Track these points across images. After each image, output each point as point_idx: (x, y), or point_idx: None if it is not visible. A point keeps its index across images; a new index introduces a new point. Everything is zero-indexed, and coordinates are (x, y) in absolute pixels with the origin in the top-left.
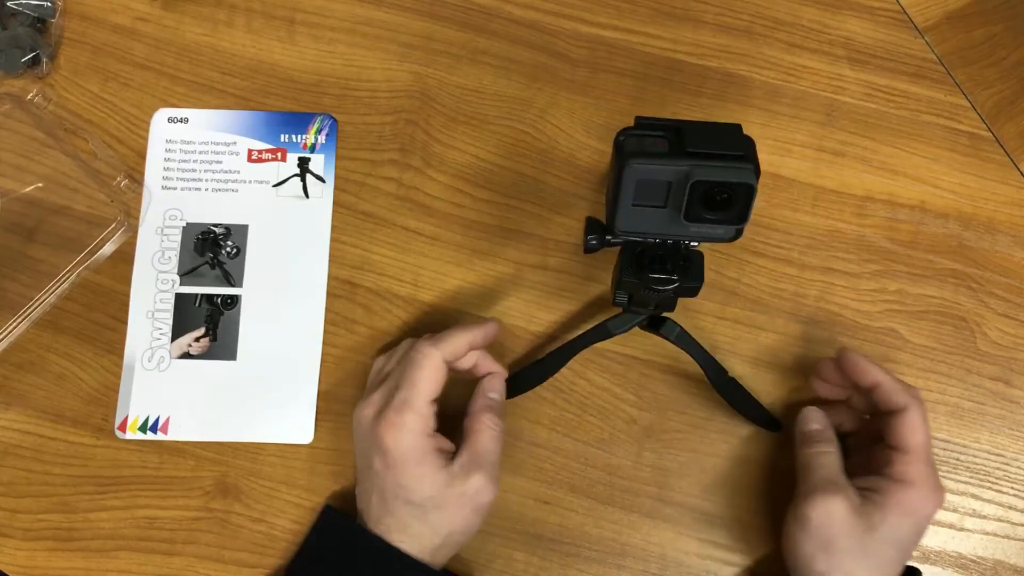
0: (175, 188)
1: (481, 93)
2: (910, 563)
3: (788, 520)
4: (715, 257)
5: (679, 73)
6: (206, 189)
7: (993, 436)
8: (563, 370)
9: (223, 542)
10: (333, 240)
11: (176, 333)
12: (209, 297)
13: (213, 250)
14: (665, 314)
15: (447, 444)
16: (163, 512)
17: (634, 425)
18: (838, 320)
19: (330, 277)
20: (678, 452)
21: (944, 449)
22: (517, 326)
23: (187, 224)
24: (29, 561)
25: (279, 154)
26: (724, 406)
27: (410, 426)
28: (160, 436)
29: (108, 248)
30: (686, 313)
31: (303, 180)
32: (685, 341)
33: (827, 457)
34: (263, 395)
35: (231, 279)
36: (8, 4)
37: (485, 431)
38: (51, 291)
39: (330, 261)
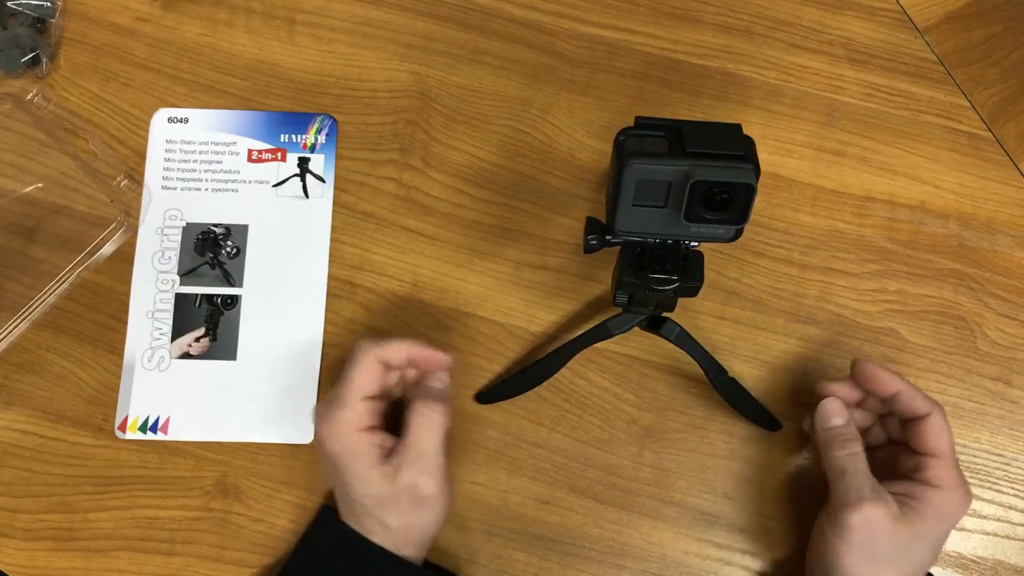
0: (175, 188)
1: (481, 93)
2: None
3: (824, 528)
4: (715, 257)
5: (679, 73)
6: (206, 189)
7: (993, 436)
8: (563, 370)
9: (223, 542)
10: (333, 240)
11: (176, 333)
12: (209, 297)
13: (213, 250)
14: (665, 314)
15: (389, 441)
16: (163, 512)
17: (634, 425)
18: (838, 320)
19: (330, 277)
20: (678, 452)
21: None
22: (517, 326)
23: (187, 224)
24: (29, 561)
25: (279, 154)
26: (724, 406)
27: (341, 421)
28: (160, 436)
29: (108, 248)
30: (686, 313)
31: (303, 180)
32: (685, 341)
33: (859, 459)
34: (263, 395)
35: (231, 279)
36: (8, 4)
37: (418, 420)
38: (51, 291)
39: (330, 261)
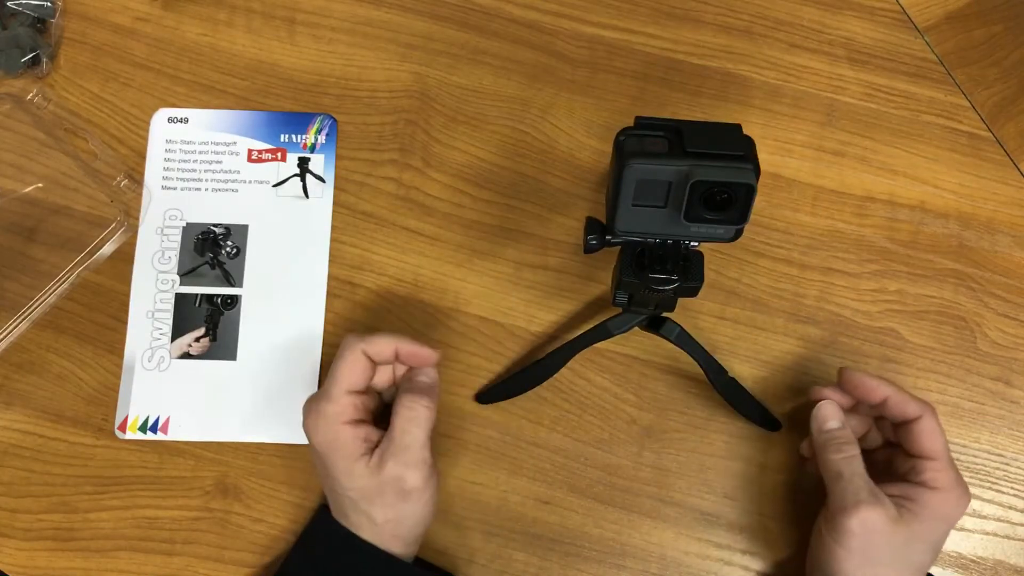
0: (175, 188)
1: (481, 93)
2: None
3: (821, 532)
4: (715, 257)
5: (679, 73)
6: (206, 189)
7: (993, 436)
8: (563, 370)
9: (223, 542)
10: (333, 240)
11: (176, 333)
12: (209, 297)
13: (213, 250)
14: (665, 314)
15: (375, 434)
16: (163, 512)
17: (634, 425)
18: (838, 320)
19: (330, 277)
20: (678, 452)
21: None
22: (517, 326)
23: (187, 224)
24: (29, 561)
25: (279, 154)
26: (724, 406)
27: (326, 414)
28: (160, 436)
29: (108, 248)
30: (686, 313)
31: (303, 180)
32: (685, 341)
33: (856, 463)
34: (263, 395)
35: (231, 279)
36: (8, 4)
37: (403, 413)
38: (51, 291)
39: (330, 261)
